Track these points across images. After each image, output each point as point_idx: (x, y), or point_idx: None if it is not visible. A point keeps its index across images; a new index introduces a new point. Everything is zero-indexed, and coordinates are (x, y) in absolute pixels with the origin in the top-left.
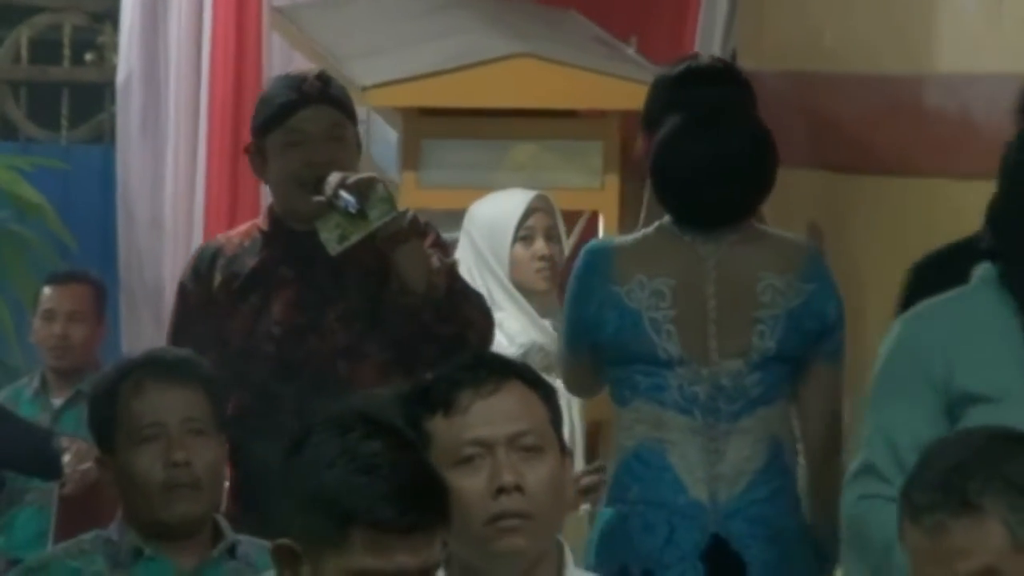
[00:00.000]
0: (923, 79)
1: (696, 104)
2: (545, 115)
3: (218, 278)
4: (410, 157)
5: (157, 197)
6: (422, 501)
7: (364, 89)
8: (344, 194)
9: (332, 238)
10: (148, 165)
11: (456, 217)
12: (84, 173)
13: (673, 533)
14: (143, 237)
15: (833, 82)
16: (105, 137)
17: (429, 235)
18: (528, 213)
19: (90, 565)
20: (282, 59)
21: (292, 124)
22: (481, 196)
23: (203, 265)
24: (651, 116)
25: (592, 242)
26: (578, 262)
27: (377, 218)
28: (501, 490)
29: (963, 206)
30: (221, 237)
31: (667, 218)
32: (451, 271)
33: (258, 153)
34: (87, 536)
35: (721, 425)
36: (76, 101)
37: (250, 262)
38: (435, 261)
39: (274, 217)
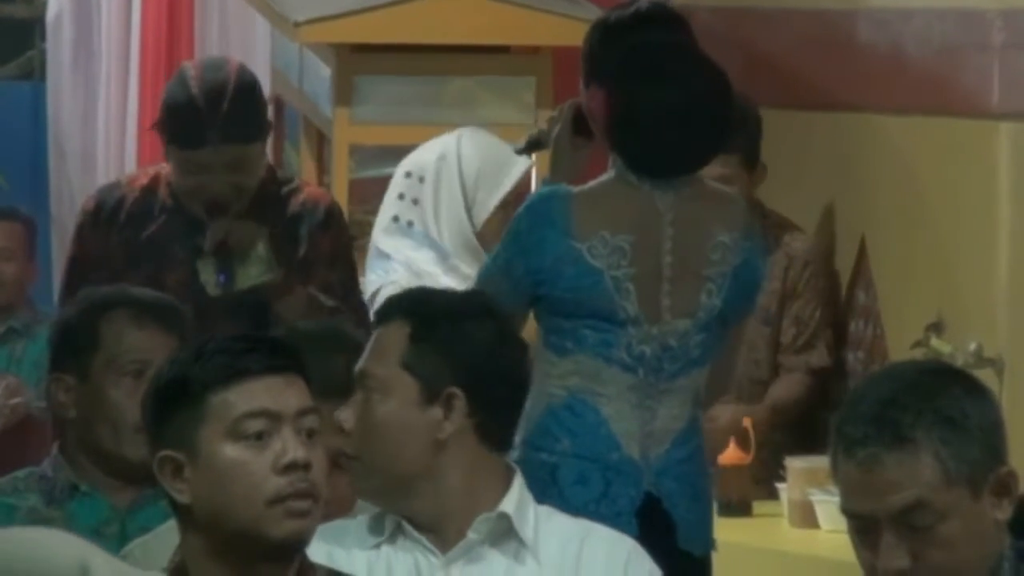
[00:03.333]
0: (856, 13)
1: (656, 49)
2: (478, 51)
3: (116, 236)
4: (343, 93)
5: (89, 133)
6: (259, 346)
7: (296, 25)
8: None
9: (211, 281)
10: (79, 101)
11: (389, 153)
12: (14, 109)
13: (609, 488)
14: (75, 173)
15: (766, 17)
16: (35, 74)
17: (340, 238)
18: (519, 183)
19: (24, 502)
20: None
21: (189, 156)
22: (414, 133)
23: (104, 212)
24: (602, 64)
25: (543, 188)
26: (527, 209)
27: (254, 277)
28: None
29: (894, 141)
30: (123, 183)
31: (617, 168)
32: (348, 292)
33: (161, 136)
34: (21, 473)
35: (660, 384)
36: (5, 38)
37: (148, 226)
38: (320, 301)
39: (174, 192)
